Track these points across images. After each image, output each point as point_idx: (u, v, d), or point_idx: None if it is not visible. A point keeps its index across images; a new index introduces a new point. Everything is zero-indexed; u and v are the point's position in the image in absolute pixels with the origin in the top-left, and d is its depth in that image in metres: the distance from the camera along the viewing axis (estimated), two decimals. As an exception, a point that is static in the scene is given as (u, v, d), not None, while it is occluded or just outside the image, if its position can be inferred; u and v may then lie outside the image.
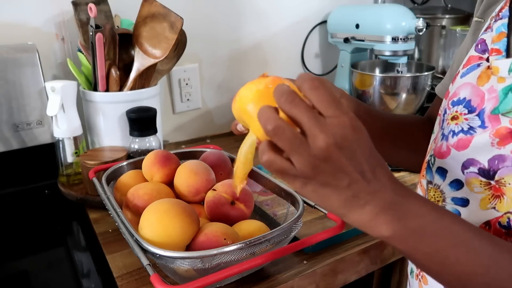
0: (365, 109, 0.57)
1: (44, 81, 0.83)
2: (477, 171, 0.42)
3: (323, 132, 0.31)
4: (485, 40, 0.47)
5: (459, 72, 0.49)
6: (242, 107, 0.38)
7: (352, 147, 0.33)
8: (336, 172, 0.33)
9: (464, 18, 1.24)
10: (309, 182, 0.33)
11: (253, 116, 0.36)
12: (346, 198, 0.34)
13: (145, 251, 0.49)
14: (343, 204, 0.34)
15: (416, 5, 1.43)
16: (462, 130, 0.44)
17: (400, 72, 1.11)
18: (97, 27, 0.77)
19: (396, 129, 0.61)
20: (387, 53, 1.08)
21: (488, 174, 0.41)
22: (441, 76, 1.11)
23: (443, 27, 1.24)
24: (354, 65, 1.18)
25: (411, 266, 0.56)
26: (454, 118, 0.46)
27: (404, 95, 1.08)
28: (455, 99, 0.47)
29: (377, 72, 1.23)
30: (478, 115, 0.43)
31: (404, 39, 1.05)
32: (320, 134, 0.31)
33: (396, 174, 0.89)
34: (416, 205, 0.36)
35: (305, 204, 0.58)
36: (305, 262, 0.61)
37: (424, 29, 1.02)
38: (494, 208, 0.41)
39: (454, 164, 0.45)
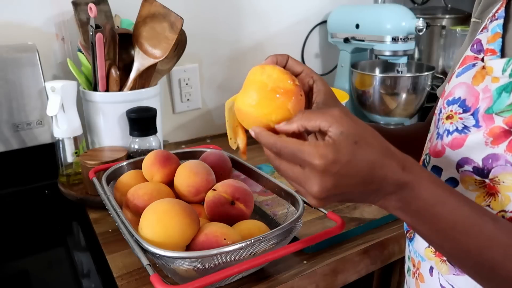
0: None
1: (44, 81, 0.83)
2: (471, 169, 0.43)
3: (317, 184, 0.36)
4: (480, 40, 0.47)
5: (455, 72, 0.49)
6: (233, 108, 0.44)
7: (350, 183, 0.36)
8: (343, 198, 0.38)
9: (464, 18, 1.24)
10: (322, 202, 0.38)
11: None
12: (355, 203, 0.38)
13: (145, 251, 0.49)
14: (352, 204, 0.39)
15: (416, 5, 1.43)
16: (456, 129, 0.45)
17: (400, 72, 1.11)
18: (97, 27, 0.77)
19: (403, 137, 0.63)
20: (387, 53, 1.08)
21: (482, 172, 0.42)
22: (441, 76, 1.12)
23: (443, 27, 1.24)
24: (354, 65, 1.18)
25: (408, 264, 0.56)
26: (449, 117, 0.46)
27: (404, 95, 1.08)
28: (450, 98, 0.47)
29: (377, 72, 1.23)
30: (472, 114, 0.44)
31: (404, 39, 1.05)
32: (315, 185, 0.36)
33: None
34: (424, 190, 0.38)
35: (305, 204, 0.58)
36: (305, 262, 0.61)
37: (424, 29, 1.02)
38: (488, 206, 0.42)
39: (449, 162, 0.45)
